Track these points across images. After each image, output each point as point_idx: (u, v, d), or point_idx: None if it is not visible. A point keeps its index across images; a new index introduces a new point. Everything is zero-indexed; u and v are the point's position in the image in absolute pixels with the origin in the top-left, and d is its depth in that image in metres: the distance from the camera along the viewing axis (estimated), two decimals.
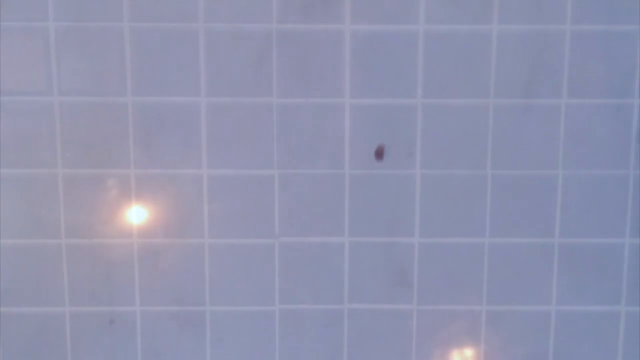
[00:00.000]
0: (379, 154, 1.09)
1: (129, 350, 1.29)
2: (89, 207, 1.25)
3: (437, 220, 1.27)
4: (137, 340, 1.29)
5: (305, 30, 1.20)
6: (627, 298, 1.29)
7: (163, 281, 1.27)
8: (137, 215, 1.26)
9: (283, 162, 1.24)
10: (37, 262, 1.26)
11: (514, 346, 1.30)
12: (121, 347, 1.29)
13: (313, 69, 1.22)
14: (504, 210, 1.26)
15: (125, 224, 1.26)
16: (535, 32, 1.21)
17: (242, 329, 1.29)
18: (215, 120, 1.23)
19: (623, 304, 1.29)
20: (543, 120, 1.24)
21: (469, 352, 1.30)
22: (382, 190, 1.25)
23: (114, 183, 1.24)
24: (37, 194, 1.24)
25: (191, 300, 1.28)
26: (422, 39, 1.21)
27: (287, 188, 1.25)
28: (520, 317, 1.29)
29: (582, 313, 1.29)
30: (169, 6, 1.20)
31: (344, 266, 1.27)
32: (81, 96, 1.22)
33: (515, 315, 1.29)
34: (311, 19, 1.20)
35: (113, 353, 1.29)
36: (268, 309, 1.29)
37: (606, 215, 1.27)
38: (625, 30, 1.21)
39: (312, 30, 1.21)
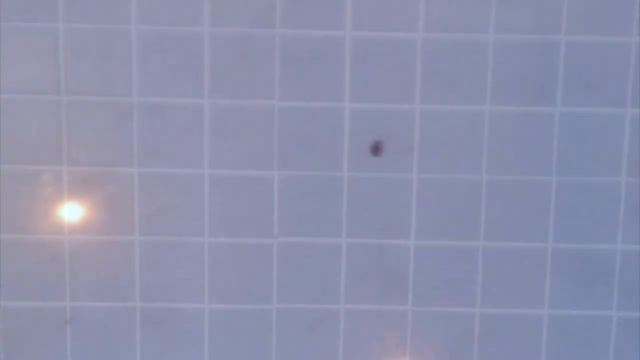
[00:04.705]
0: (377, 149, 1.11)
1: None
2: (91, 204, 1.28)
3: (432, 223, 1.29)
4: (137, 335, 1.31)
5: (306, 35, 1.24)
6: (618, 303, 1.31)
7: (163, 278, 1.29)
8: (138, 213, 1.28)
9: (283, 163, 1.27)
10: (40, 258, 1.29)
11: (507, 349, 1.32)
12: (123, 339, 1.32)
13: (314, 73, 1.25)
14: (498, 214, 1.29)
15: (127, 221, 1.28)
16: (532, 41, 1.24)
17: (239, 327, 1.31)
18: (218, 121, 1.26)
19: (615, 310, 1.31)
20: (538, 127, 1.26)
21: (463, 353, 1.32)
22: (379, 193, 1.28)
23: (116, 181, 1.27)
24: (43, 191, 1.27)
25: (190, 298, 1.30)
26: (420, 46, 1.24)
27: (286, 189, 1.28)
28: (514, 320, 1.31)
29: (574, 317, 1.31)
30: (175, 10, 1.23)
31: (341, 267, 1.30)
32: (87, 95, 1.24)
33: (508, 318, 1.31)
34: (311, 24, 1.23)
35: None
36: (265, 307, 1.30)
37: (599, 221, 1.29)
38: (620, 41, 1.24)
39: (313, 36, 1.24)
